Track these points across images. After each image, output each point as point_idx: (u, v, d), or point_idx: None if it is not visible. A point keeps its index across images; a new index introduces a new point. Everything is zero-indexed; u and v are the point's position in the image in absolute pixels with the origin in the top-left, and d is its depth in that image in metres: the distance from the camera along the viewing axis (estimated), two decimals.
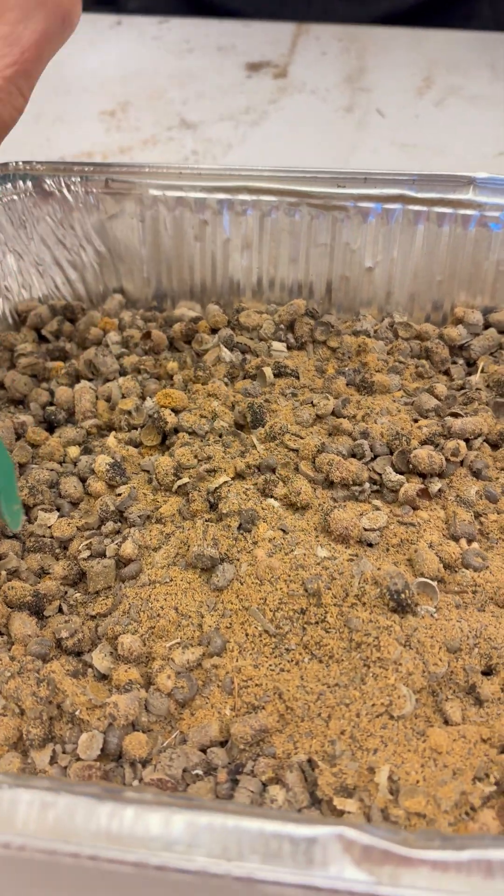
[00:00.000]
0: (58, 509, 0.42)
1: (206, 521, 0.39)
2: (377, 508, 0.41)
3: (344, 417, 0.45)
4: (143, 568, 0.38)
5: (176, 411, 0.45)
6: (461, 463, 0.43)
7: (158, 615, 0.36)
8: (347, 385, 0.47)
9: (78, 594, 0.38)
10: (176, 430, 0.44)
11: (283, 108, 0.77)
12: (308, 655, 0.35)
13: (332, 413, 0.45)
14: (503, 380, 0.46)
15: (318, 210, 0.49)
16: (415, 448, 0.42)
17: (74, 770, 0.32)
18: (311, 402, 0.45)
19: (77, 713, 0.34)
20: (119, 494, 0.41)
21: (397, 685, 0.33)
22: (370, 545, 0.39)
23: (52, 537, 0.40)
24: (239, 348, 0.48)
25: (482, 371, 0.47)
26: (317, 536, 0.39)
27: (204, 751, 0.33)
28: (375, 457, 0.43)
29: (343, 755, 0.32)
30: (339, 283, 0.51)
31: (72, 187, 0.50)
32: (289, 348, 0.49)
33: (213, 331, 0.50)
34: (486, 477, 0.42)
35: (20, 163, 0.49)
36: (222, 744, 0.34)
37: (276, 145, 0.73)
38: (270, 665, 0.35)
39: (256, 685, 0.34)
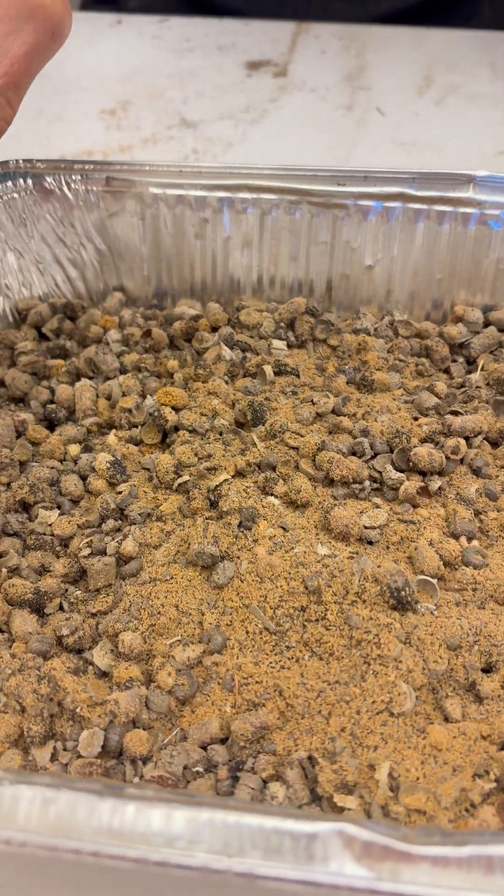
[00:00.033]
0: (58, 507, 0.42)
1: (207, 518, 0.39)
2: (377, 506, 0.41)
3: (344, 415, 0.45)
4: (144, 565, 0.38)
5: (176, 409, 0.45)
6: (461, 461, 0.43)
7: (159, 613, 0.36)
8: (348, 383, 0.47)
9: (79, 592, 0.38)
10: (176, 428, 0.44)
11: (283, 107, 0.77)
12: (308, 653, 0.35)
13: (333, 411, 0.45)
14: (503, 378, 0.46)
15: (319, 208, 0.49)
16: (415, 446, 0.42)
17: (75, 767, 0.32)
18: (312, 401, 0.45)
19: (78, 710, 0.34)
20: (119, 492, 0.41)
21: (397, 682, 0.33)
22: (370, 543, 0.39)
23: (52, 535, 0.40)
24: (239, 346, 0.48)
25: (482, 369, 0.47)
26: (317, 534, 0.39)
27: (204, 748, 0.33)
28: (376, 455, 0.43)
29: (343, 752, 0.32)
30: (339, 282, 0.51)
31: (72, 185, 0.50)
32: (289, 346, 0.49)
33: (214, 329, 0.50)
34: (485, 475, 0.42)
35: (21, 161, 0.50)
36: (223, 741, 0.34)
37: (276, 144, 0.73)
38: (271, 662, 0.35)
39: (257, 682, 0.34)
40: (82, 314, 0.51)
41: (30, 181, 0.49)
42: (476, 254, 0.49)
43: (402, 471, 0.42)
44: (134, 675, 0.35)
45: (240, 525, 0.39)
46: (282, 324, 0.49)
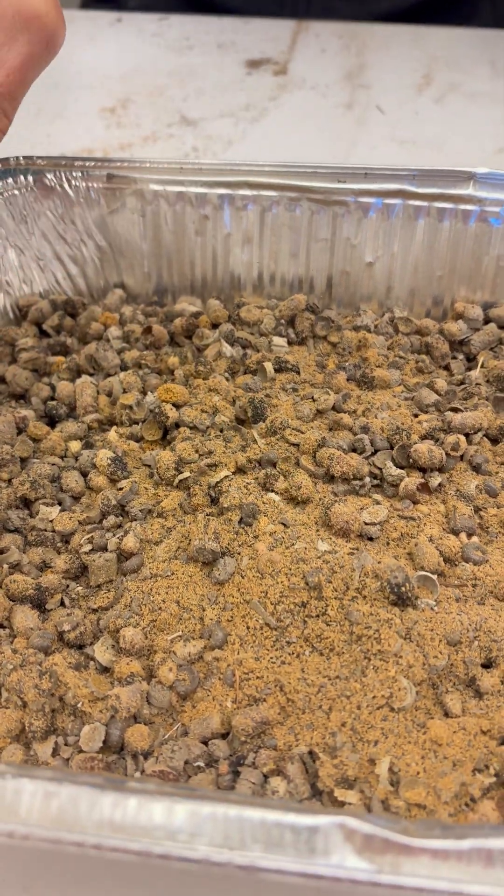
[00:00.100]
0: (59, 503, 0.42)
1: (208, 515, 0.40)
2: (377, 503, 0.41)
3: (344, 412, 0.45)
4: (145, 561, 0.38)
5: (177, 406, 0.45)
6: (461, 457, 0.43)
7: (160, 608, 0.36)
8: (348, 380, 0.47)
9: (80, 588, 0.38)
10: (177, 425, 0.44)
11: (282, 105, 0.77)
12: (309, 648, 0.35)
13: (333, 408, 0.45)
14: (503, 375, 0.46)
15: (319, 205, 0.49)
16: (415, 443, 0.42)
17: (77, 762, 0.32)
18: (312, 397, 0.46)
19: (79, 705, 0.34)
20: (120, 489, 0.41)
21: (398, 677, 0.33)
22: (371, 539, 0.39)
23: (53, 531, 0.40)
24: (240, 343, 0.48)
25: (482, 366, 0.48)
26: (317, 530, 0.39)
27: (205, 743, 0.33)
28: (376, 451, 0.43)
29: (344, 747, 0.32)
30: (339, 278, 0.51)
31: (73, 182, 0.50)
32: (289, 343, 0.49)
33: (214, 326, 0.50)
34: (485, 471, 0.42)
35: (21, 158, 0.50)
36: (224, 736, 0.34)
37: (276, 142, 0.73)
38: (271, 658, 0.35)
39: (258, 678, 0.34)
40: (83, 311, 0.51)
41: (30, 178, 0.49)
42: (476, 251, 0.49)
43: (402, 467, 0.42)
44: (135, 670, 0.35)
45: (240, 521, 0.39)
46: (282, 321, 0.49)
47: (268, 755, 0.33)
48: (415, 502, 0.41)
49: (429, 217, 0.49)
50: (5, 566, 0.39)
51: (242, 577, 0.37)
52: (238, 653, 0.35)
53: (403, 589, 0.35)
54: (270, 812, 0.25)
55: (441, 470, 0.42)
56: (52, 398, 0.47)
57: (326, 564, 0.36)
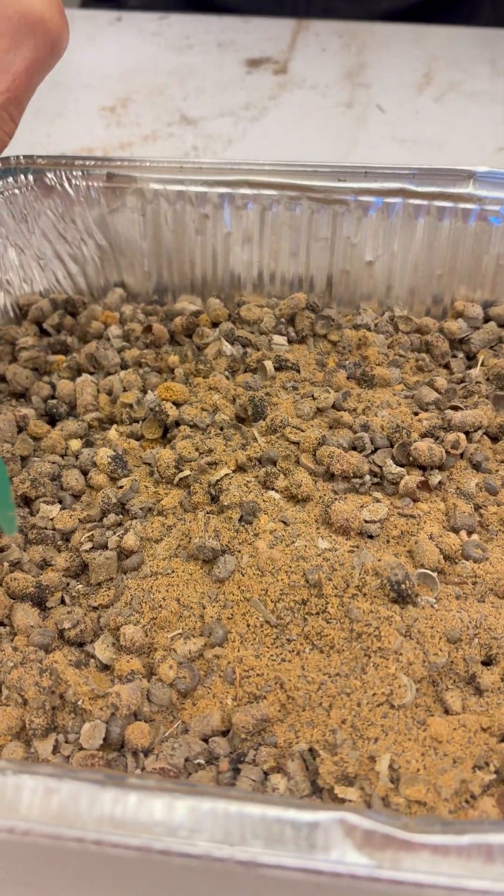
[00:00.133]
0: (60, 502, 0.42)
1: (208, 513, 0.40)
2: (378, 500, 0.41)
3: (344, 410, 0.45)
4: (145, 559, 0.38)
5: (177, 404, 0.45)
6: (461, 455, 0.43)
7: (160, 606, 0.36)
8: (348, 378, 0.47)
9: (80, 586, 0.39)
10: (177, 423, 0.44)
11: (283, 104, 0.77)
12: (309, 646, 0.35)
13: (333, 406, 0.45)
14: (503, 373, 0.46)
15: (319, 204, 0.49)
16: (415, 441, 0.42)
17: (77, 759, 0.32)
18: (312, 396, 0.46)
19: (79, 703, 0.34)
20: (121, 487, 0.41)
21: (398, 675, 0.33)
22: (371, 537, 0.39)
23: (54, 529, 0.40)
24: (240, 342, 0.48)
25: (482, 364, 0.48)
26: (318, 528, 0.39)
27: (206, 740, 0.34)
28: (376, 449, 0.43)
29: (344, 744, 0.32)
30: (339, 277, 0.51)
31: (73, 181, 0.50)
32: (289, 342, 0.49)
33: (214, 324, 0.50)
34: (485, 469, 0.43)
35: (22, 157, 0.50)
36: (224, 733, 0.34)
37: (276, 141, 0.73)
38: (272, 655, 0.35)
39: (258, 675, 0.34)
40: (83, 310, 0.51)
41: (31, 177, 0.50)
42: (476, 249, 0.49)
43: (402, 465, 0.42)
44: (135, 667, 0.35)
45: (241, 519, 0.39)
46: (282, 319, 0.49)
47: (268, 752, 0.33)
48: (415, 500, 0.41)
49: (429, 216, 0.49)
50: (6, 564, 0.39)
51: (243, 575, 0.37)
52: (238, 650, 0.35)
53: (403, 586, 0.35)
54: (271, 808, 0.25)
55: (441, 468, 0.42)
56: (53, 397, 0.48)
57: (327, 562, 0.36)
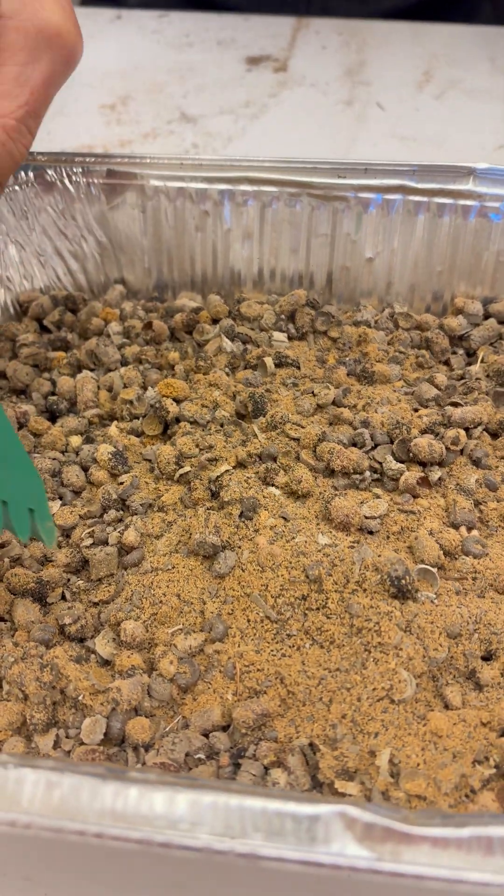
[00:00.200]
0: (60, 498, 0.42)
1: (208, 509, 0.40)
2: (378, 496, 0.41)
3: (344, 407, 0.45)
4: (146, 555, 0.38)
5: (177, 401, 0.45)
6: (461, 452, 0.43)
7: (161, 602, 0.36)
8: (348, 375, 0.47)
9: (80, 581, 0.39)
10: (177, 420, 0.44)
11: (283, 102, 0.77)
12: (309, 641, 0.35)
13: (333, 402, 0.45)
14: (503, 369, 0.46)
15: (319, 201, 0.49)
16: (415, 437, 0.42)
17: (78, 754, 0.32)
18: (312, 392, 0.46)
19: (80, 698, 0.34)
20: (121, 483, 0.42)
21: (398, 670, 0.34)
22: (371, 533, 0.39)
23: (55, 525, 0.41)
24: (240, 338, 0.49)
25: (482, 361, 0.48)
26: (318, 524, 0.39)
27: (206, 735, 0.34)
28: (376, 446, 0.43)
29: (344, 739, 0.32)
30: (339, 274, 0.51)
31: (73, 178, 0.50)
32: (290, 338, 0.49)
33: (215, 321, 0.50)
34: (485, 465, 0.43)
35: None
36: (224, 728, 0.34)
37: (276, 139, 0.73)
38: (272, 650, 0.35)
39: (258, 670, 0.34)
40: (83, 306, 0.51)
41: (31, 174, 0.50)
42: (476, 246, 0.49)
43: (402, 461, 0.42)
44: (136, 663, 0.35)
45: (241, 515, 0.39)
46: (282, 316, 0.49)
47: (268, 747, 0.33)
48: (415, 496, 0.41)
49: (429, 212, 0.49)
50: (6, 560, 0.39)
51: (243, 571, 0.37)
52: (239, 645, 0.35)
53: (403, 582, 0.35)
54: (271, 801, 0.25)
55: (441, 464, 0.42)
56: (53, 393, 0.48)
57: (327, 558, 0.37)
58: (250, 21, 0.85)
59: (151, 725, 0.33)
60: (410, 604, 0.36)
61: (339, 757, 0.32)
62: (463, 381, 0.47)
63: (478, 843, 0.24)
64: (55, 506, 0.41)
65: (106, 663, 0.36)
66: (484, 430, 0.44)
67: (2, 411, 0.36)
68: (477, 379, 0.46)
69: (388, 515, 0.40)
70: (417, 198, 0.48)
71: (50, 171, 0.50)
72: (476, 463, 0.43)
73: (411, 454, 0.42)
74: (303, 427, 0.43)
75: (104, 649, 0.36)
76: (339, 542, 0.38)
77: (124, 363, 0.48)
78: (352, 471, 0.41)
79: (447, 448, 0.42)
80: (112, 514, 0.40)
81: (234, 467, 0.42)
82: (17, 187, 0.49)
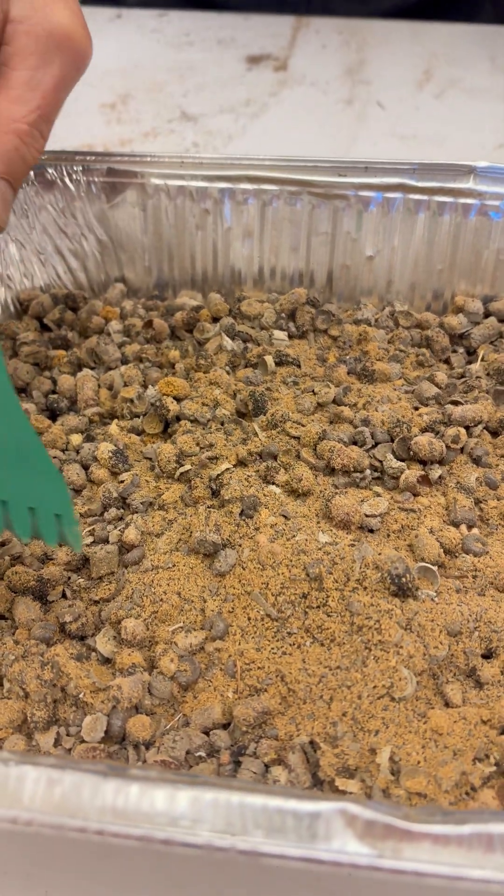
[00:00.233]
0: None
1: (209, 507, 0.40)
2: (378, 495, 0.41)
3: (345, 405, 0.45)
4: (146, 553, 0.38)
5: (178, 399, 0.45)
6: (461, 450, 0.43)
7: (161, 600, 0.36)
8: (348, 373, 0.47)
9: (81, 580, 0.39)
10: (178, 418, 0.44)
11: (283, 101, 0.77)
12: (310, 639, 0.35)
13: (334, 401, 0.45)
14: (503, 368, 0.46)
15: (319, 199, 0.49)
16: (415, 435, 0.42)
17: (78, 752, 0.32)
18: (313, 391, 0.46)
19: (81, 696, 0.34)
20: (122, 481, 0.42)
21: (398, 668, 0.34)
22: (371, 531, 0.39)
23: None
24: (240, 337, 0.49)
25: (482, 359, 0.48)
26: (318, 522, 0.39)
27: (207, 733, 0.34)
28: (376, 444, 0.43)
29: (345, 736, 0.32)
30: (339, 272, 0.51)
31: (73, 176, 0.50)
32: (290, 337, 0.49)
33: (215, 319, 0.50)
34: (486, 464, 0.43)
35: None
36: (225, 726, 0.34)
37: (276, 137, 0.73)
38: (273, 648, 0.35)
39: (259, 668, 0.34)
40: (84, 305, 0.51)
41: (31, 172, 0.49)
42: (476, 244, 0.49)
43: (402, 460, 0.42)
44: (136, 661, 0.35)
45: (241, 513, 0.39)
46: (283, 314, 0.49)
47: (269, 745, 0.33)
48: (415, 494, 0.41)
49: (429, 211, 0.49)
50: (7, 558, 0.39)
51: (243, 569, 0.37)
52: (239, 643, 0.35)
53: (404, 580, 0.35)
54: (272, 798, 0.25)
55: (441, 462, 0.42)
56: (54, 392, 0.48)
57: (327, 556, 0.37)
58: (250, 20, 0.85)
59: (152, 723, 0.33)
60: (411, 602, 0.36)
61: (340, 755, 0.32)
62: (463, 380, 0.47)
63: (478, 840, 0.24)
64: None
65: (106, 661, 0.36)
66: (484, 428, 0.44)
67: (27, 420, 0.36)
68: (477, 377, 0.46)
69: (389, 514, 0.40)
70: (418, 196, 0.48)
71: (50, 170, 0.50)
72: (476, 461, 0.43)
73: (412, 452, 0.42)
74: (303, 425, 0.43)
75: (105, 647, 0.36)
76: (339, 540, 0.38)
77: (125, 361, 0.48)
78: (352, 469, 0.41)
79: (447, 446, 0.42)
80: (113, 512, 0.40)
81: (234, 465, 0.42)
82: None
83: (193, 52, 0.83)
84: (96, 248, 0.52)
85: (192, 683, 0.35)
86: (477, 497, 0.41)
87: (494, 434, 0.44)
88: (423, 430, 0.43)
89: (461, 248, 0.49)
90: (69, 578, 0.39)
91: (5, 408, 0.36)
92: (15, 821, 0.25)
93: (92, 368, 0.49)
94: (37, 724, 0.33)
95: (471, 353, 0.49)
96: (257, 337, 0.49)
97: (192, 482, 0.41)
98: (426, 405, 0.45)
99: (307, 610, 0.36)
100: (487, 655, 0.35)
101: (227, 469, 0.41)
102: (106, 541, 0.39)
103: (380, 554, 0.37)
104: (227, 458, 0.42)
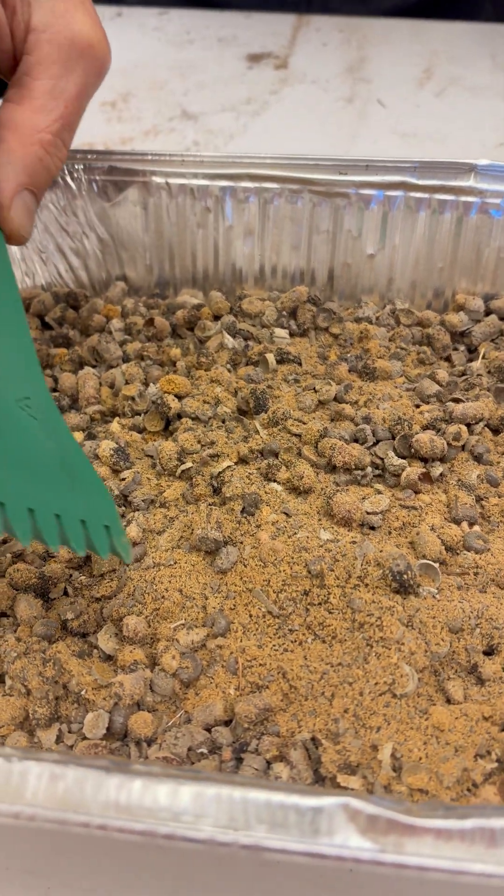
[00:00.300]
0: None
1: (210, 504, 0.40)
2: (379, 492, 0.41)
3: (346, 403, 0.45)
4: (148, 551, 0.39)
5: (179, 397, 0.45)
6: (462, 447, 0.43)
7: (163, 597, 0.36)
8: (349, 371, 0.47)
9: (83, 577, 0.39)
10: (179, 416, 0.44)
11: (283, 99, 0.77)
12: (311, 636, 0.35)
13: (335, 399, 0.45)
14: None
15: (320, 197, 0.49)
16: (416, 433, 0.42)
17: (80, 749, 0.33)
18: (314, 388, 0.46)
19: (83, 693, 0.34)
20: (123, 479, 0.42)
21: (400, 664, 0.34)
22: (372, 528, 0.39)
23: None
24: (241, 335, 0.49)
25: (483, 357, 0.48)
26: (319, 520, 0.39)
27: (209, 730, 0.34)
28: (377, 441, 0.43)
29: (346, 733, 0.32)
30: (340, 270, 0.51)
31: (75, 175, 0.50)
32: (291, 335, 0.49)
33: (216, 318, 0.50)
34: (487, 461, 0.43)
35: None
36: (227, 723, 0.34)
37: (277, 136, 0.73)
38: (274, 645, 0.35)
39: (260, 665, 0.34)
40: (85, 303, 0.51)
41: None
42: (477, 242, 0.49)
43: (403, 457, 0.42)
44: (138, 658, 0.35)
45: (243, 511, 0.39)
46: (284, 312, 0.49)
47: (271, 742, 0.33)
48: (416, 492, 0.41)
49: (430, 209, 0.49)
50: (9, 555, 0.39)
51: (245, 566, 0.37)
52: (241, 640, 0.35)
53: (405, 577, 0.35)
54: (275, 794, 0.25)
55: (442, 460, 0.42)
56: (55, 390, 0.48)
57: (329, 553, 0.37)
58: (251, 18, 0.85)
59: (154, 720, 0.33)
60: (412, 599, 0.36)
61: (342, 751, 0.32)
62: (464, 378, 0.47)
63: (481, 834, 0.24)
64: None
65: (108, 658, 0.36)
66: (485, 426, 0.44)
67: (70, 433, 0.36)
68: (478, 375, 0.47)
69: (390, 511, 0.40)
70: (419, 194, 0.48)
71: None
72: (477, 459, 0.43)
73: (413, 450, 0.42)
74: (304, 423, 0.43)
75: (106, 644, 0.36)
76: (340, 537, 0.38)
77: (126, 360, 0.48)
78: (353, 466, 0.41)
79: (448, 444, 0.43)
80: None
81: (235, 463, 0.42)
82: None
83: (194, 50, 0.83)
84: (97, 247, 0.52)
85: (193, 680, 0.35)
86: (478, 494, 0.41)
87: (495, 431, 0.44)
88: (425, 428, 0.43)
89: (462, 246, 0.49)
90: (71, 576, 0.39)
91: (51, 423, 0.36)
92: (18, 816, 0.25)
93: (93, 366, 0.49)
94: (39, 721, 0.33)
95: (472, 351, 0.49)
96: (258, 335, 0.49)
97: (194, 480, 0.41)
98: (427, 403, 0.45)
99: (308, 607, 0.36)
100: (489, 652, 0.35)
101: (229, 467, 0.41)
102: None
103: (381, 551, 0.37)
104: (228, 455, 0.42)
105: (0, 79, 0.41)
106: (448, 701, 0.34)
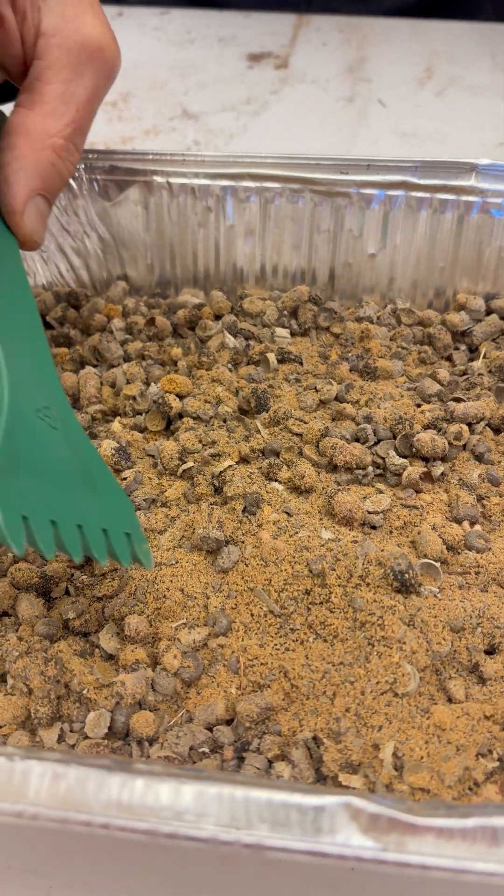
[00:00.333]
0: None
1: (211, 504, 0.40)
2: (380, 492, 0.41)
3: (347, 402, 0.45)
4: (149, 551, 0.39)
5: (180, 396, 0.45)
6: (464, 447, 0.43)
7: (164, 596, 0.36)
8: (350, 371, 0.47)
9: (84, 576, 0.39)
10: (180, 415, 0.44)
11: (284, 99, 0.77)
12: (313, 635, 0.35)
13: (336, 398, 0.45)
14: None
15: (322, 197, 0.49)
16: (418, 432, 0.42)
17: (82, 748, 0.33)
18: (315, 388, 0.46)
19: (84, 692, 0.34)
20: (124, 479, 0.42)
21: (401, 663, 0.34)
22: (374, 527, 0.39)
23: None
24: (242, 334, 0.49)
25: (484, 357, 0.48)
26: (321, 519, 0.39)
27: (210, 729, 0.34)
28: (379, 441, 0.43)
29: (348, 732, 0.32)
30: (341, 270, 0.51)
31: (75, 174, 0.50)
32: (292, 334, 0.49)
33: (217, 317, 0.50)
34: (488, 461, 0.43)
35: None
36: (228, 722, 0.34)
37: (277, 135, 0.73)
38: (276, 644, 0.35)
39: (262, 664, 0.34)
40: (86, 303, 0.51)
41: None
42: (478, 242, 0.49)
43: (405, 457, 0.42)
44: (140, 657, 0.35)
45: (244, 510, 0.39)
46: (285, 312, 0.49)
47: (272, 741, 0.33)
48: (418, 491, 0.41)
49: (431, 208, 0.49)
50: (10, 555, 0.39)
51: (246, 566, 0.37)
52: (242, 640, 0.35)
53: (407, 576, 0.35)
54: (277, 792, 0.25)
55: (444, 459, 0.43)
56: None
57: (330, 552, 0.37)
58: (251, 18, 0.85)
59: (155, 719, 0.33)
60: (413, 598, 0.36)
61: (343, 750, 0.32)
62: (465, 377, 0.47)
63: (482, 833, 0.24)
64: None
65: (110, 657, 0.36)
66: (486, 425, 0.44)
67: (89, 441, 0.36)
68: (479, 374, 0.47)
69: (391, 510, 0.40)
70: (420, 194, 0.48)
71: None
72: (479, 458, 0.43)
73: (414, 449, 0.42)
74: (305, 423, 0.44)
75: (108, 644, 0.36)
76: (342, 536, 0.38)
77: (127, 359, 0.48)
78: (354, 466, 0.41)
79: (450, 443, 0.43)
80: None
81: (237, 463, 0.42)
82: None
83: (194, 49, 0.83)
84: (98, 246, 0.52)
85: (195, 679, 0.35)
86: (479, 494, 0.41)
87: (497, 431, 0.44)
88: (426, 427, 0.43)
89: (463, 245, 0.49)
90: (72, 575, 0.39)
91: (70, 431, 0.36)
92: (20, 815, 0.25)
93: (94, 366, 0.49)
94: (40, 721, 0.33)
95: (473, 351, 0.49)
96: (259, 334, 0.49)
97: (195, 479, 0.41)
98: (428, 402, 0.45)
99: (310, 606, 0.36)
100: (490, 651, 0.35)
101: (230, 466, 0.41)
102: None
103: (382, 550, 0.37)
104: (229, 455, 0.42)
105: (11, 83, 0.41)
106: (449, 700, 0.34)
